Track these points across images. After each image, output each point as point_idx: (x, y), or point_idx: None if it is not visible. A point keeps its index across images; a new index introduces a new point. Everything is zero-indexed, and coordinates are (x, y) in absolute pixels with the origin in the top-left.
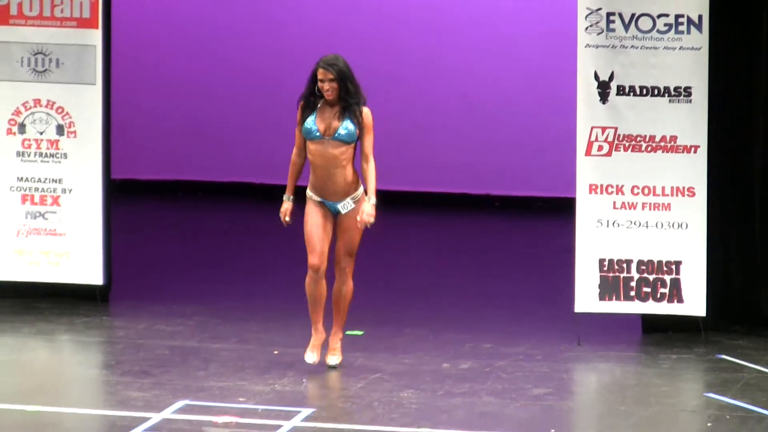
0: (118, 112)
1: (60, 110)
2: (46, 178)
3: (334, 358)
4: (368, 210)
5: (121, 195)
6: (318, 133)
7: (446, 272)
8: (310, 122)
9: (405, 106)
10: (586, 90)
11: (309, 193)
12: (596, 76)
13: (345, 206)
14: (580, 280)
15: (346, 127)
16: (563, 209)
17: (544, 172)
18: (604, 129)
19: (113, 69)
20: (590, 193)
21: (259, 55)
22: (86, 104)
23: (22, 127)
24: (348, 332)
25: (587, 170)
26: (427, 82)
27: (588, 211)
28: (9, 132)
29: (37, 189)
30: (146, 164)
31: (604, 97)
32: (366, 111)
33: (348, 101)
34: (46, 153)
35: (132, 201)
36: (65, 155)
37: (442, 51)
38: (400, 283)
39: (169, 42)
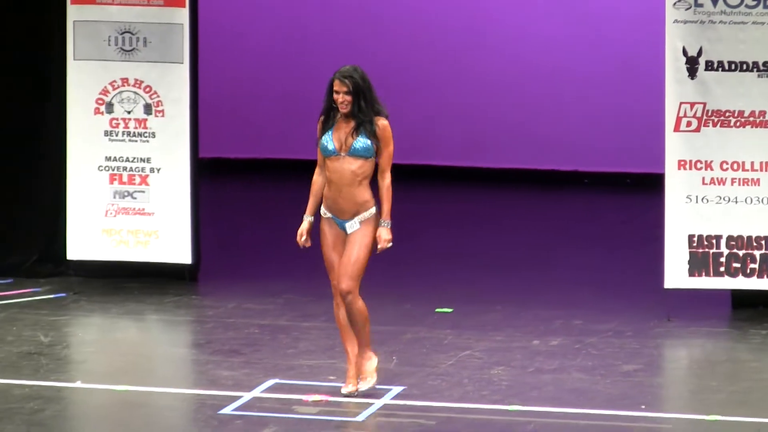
0: (206, 90)
1: (148, 89)
2: (134, 158)
3: (365, 383)
4: (385, 236)
5: (209, 174)
6: (334, 150)
7: (535, 248)
8: (326, 139)
9: (495, 84)
10: (674, 65)
11: (322, 209)
12: (684, 52)
13: (351, 226)
14: (670, 256)
15: (362, 141)
16: (652, 185)
17: (633, 148)
18: (692, 105)
19: (200, 47)
20: (679, 168)
21: (347, 31)
22: (174, 83)
23: (110, 107)
24: (438, 309)
25: (676, 146)
26: (516, 59)
27: (677, 187)
28: (97, 111)
29: (125, 168)
30: (234, 143)
31: (692, 72)
32: (384, 123)
33: (360, 117)
34: (134, 132)
35: (220, 180)
36: (153, 134)
37: (529, 29)
38: (490, 259)
39: (255, 20)
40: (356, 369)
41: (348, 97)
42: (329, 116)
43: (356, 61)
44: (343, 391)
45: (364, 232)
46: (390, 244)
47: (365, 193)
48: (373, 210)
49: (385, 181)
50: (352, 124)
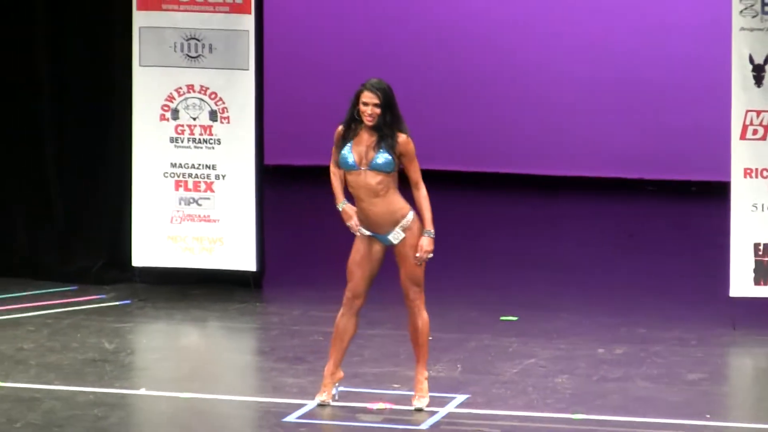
0: (271, 97)
1: (213, 96)
2: (200, 164)
3: (421, 401)
4: (426, 245)
5: (274, 180)
6: (354, 164)
7: (601, 256)
8: (346, 151)
9: (561, 91)
10: (740, 73)
11: (360, 228)
12: (751, 60)
13: (396, 236)
14: (735, 265)
15: (384, 156)
16: (718, 193)
17: (699, 156)
18: (759, 113)
19: (266, 54)
20: (745, 177)
21: (411, 39)
22: (239, 89)
23: (175, 113)
24: (502, 318)
25: (742, 154)
26: (581, 67)
27: (743, 195)
28: (162, 118)
29: (190, 175)
30: (299, 149)
31: (759, 80)
32: (405, 138)
33: (384, 131)
34: (199, 139)
35: (285, 186)
36: (218, 141)
37: (594, 38)
38: (555, 266)
39: (321, 26)
40: (335, 381)
41: (377, 110)
42: (350, 127)
43: (417, 69)
44: (318, 399)
45: (412, 241)
46: (430, 255)
47: (397, 199)
48: (411, 214)
49: (421, 192)
50: (375, 138)
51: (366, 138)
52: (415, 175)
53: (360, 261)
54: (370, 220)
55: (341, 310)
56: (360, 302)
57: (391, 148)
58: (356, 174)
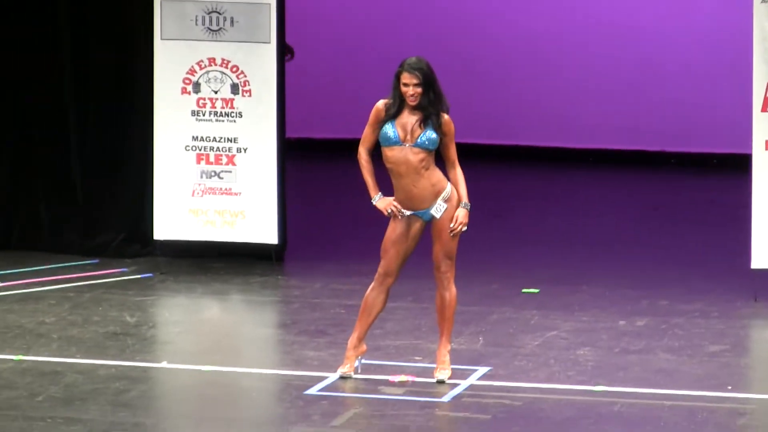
0: (293, 70)
1: (234, 69)
2: (221, 137)
3: (443, 373)
4: (461, 217)
5: (296, 154)
6: (397, 139)
7: (622, 229)
8: (389, 128)
9: (582, 66)
10: (762, 46)
11: (403, 210)
12: None
13: (438, 209)
14: (757, 237)
15: (429, 135)
16: (739, 165)
17: (720, 129)
18: None
19: (287, 27)
20: (766, 149)
21: (434, 12)
22: (261, 63)
23: (196, 86)
24: (524, 290)
25: (763, 126)
26: (602, 43)
27: (764, 167)
28: (184, 91)
29: (212, 148)
30: (321, 123)
31: None
32: (447, 118)
33: (429, 110)
34: (220, 112)
35: (307, 160)
36: (240, 114)
37: (617, 13)
38: (577, 240)
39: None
40: (358, 354)
41: (418, 89)
42: (390, 106)
43: (444, 41)
44: (340, 372)
45: (450, 214)
46: (465, 228)
47: (437, 173)
48: (449, 186)
49: (457, 170)
50: (419, 115)
51: (409, 116)
52: (453, 154)
53: (396, 239)
54: (413, 197)
55: (372, 285)
56: (391, 280)
57: (438, 128)
58: (398, 149)
